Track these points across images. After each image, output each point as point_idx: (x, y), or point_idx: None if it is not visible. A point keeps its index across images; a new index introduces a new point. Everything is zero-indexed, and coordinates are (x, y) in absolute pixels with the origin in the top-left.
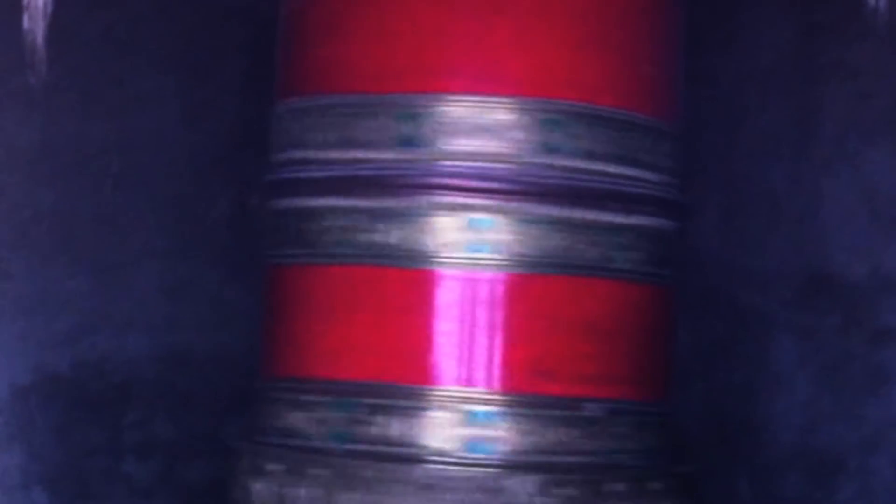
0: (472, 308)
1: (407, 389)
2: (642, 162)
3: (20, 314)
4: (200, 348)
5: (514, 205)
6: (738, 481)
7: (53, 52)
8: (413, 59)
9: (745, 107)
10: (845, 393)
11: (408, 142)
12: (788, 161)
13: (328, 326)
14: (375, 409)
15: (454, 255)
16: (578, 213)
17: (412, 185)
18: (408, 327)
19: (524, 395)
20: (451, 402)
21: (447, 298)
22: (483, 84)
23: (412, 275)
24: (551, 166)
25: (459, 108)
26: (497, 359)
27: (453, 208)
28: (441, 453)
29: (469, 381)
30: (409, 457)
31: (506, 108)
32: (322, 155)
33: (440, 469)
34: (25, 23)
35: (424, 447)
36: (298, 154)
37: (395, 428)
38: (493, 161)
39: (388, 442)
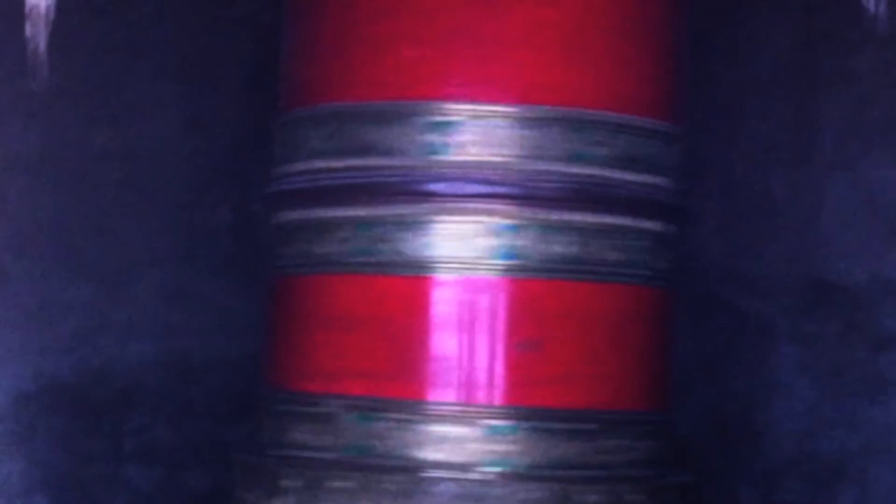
0: (474, 315)
1: (411, 403)
2: (647, 166)
3: (21, 321)
4: (201, 355)
5: (517, 210)
6: (740, 488)
7: (55, 60)
8: (416, 68)
9: (745, 113)
10: (846, 399)
11: (408, 150)
12: (789, 167)
13: (334, 336)
14: (389, 421)
15: (458, 261)
16: (586, 218)
17: (415, 192)
18: (411, 338)
19: (531, 408)
20: (463, 415)
21: (452, 305)
22: (486, 92)
23: (417, 283)
24: (553, 172)
25: (463, 116)
26: (502, 369)
27: (458, 214)
28: (457, 466)
29: (477, 394)
30: (428, 467)
31: (506, 116)
32: (324, 164)
33: (462, 481)
34: (27, 30)
35: (449, 462)
36: (301, 164)
37: (408, 440)
38: (496, 168)
39: (404, 455)
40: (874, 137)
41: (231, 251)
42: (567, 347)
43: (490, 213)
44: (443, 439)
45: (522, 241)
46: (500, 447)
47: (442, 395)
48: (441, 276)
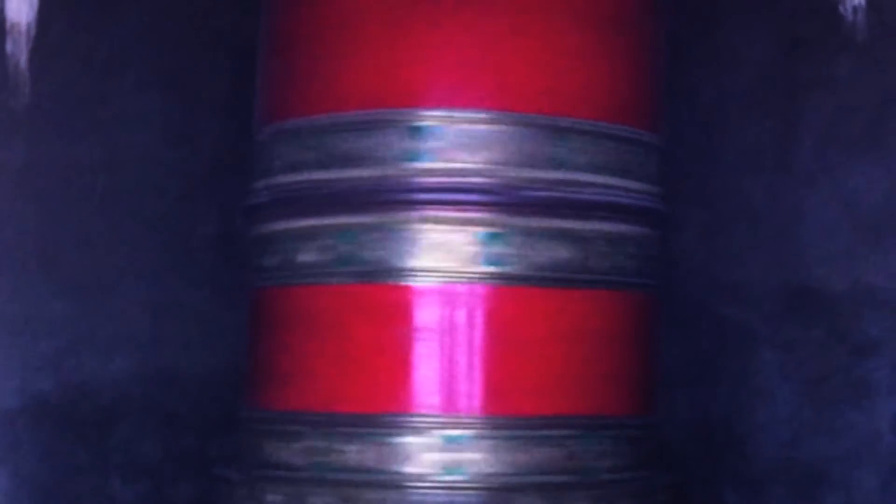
0: (453, 323)
1: (388, 417)
2: (627, 172)
3: (4, 335)
4: (186, 368)
5: (497, 217)
6: (724, 494)
7: (37, 74)
8: (394, 77)
9: (726, 121)
10: (828, 405)
11: (387, 158)
12: (769, 175)
13: (313, 347)
14: (360, 437)
15: (439, 270)
16: (566, 224)
17: (393, 201)
18: (393, 349)
19: (502, 417)
20: (431, 426)
21: (431, 313)
22: (464, 98)
23: (394, 291)
24: (533, 179)
25: (441, 123)
26: (483, 378)
27: (437, 222)
28: (437, 478)
29: (459, 403)
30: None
31: (486, 122)
32: (303, 176)
33: (443, 492)
34: (8, 47)
35: (402, 473)
36: (281, 177)
37: (382, 453)
38: (476, 175)
39: (383, 469)
40: (854, 144)
41: (215, 264)
42: (549, 354)
43: (470, 221)
44: (423, 451)
45: (502, 249)
46: (482, 456)
47: (422, 406)
48: (422, 284)
